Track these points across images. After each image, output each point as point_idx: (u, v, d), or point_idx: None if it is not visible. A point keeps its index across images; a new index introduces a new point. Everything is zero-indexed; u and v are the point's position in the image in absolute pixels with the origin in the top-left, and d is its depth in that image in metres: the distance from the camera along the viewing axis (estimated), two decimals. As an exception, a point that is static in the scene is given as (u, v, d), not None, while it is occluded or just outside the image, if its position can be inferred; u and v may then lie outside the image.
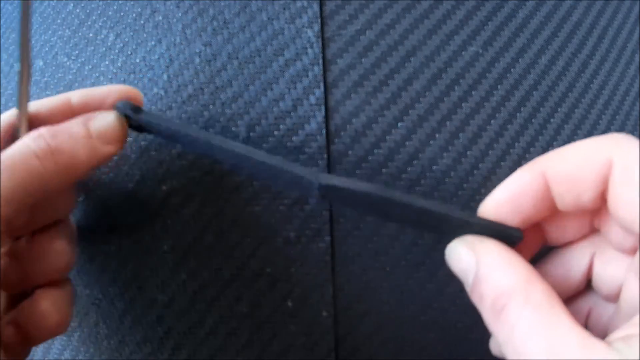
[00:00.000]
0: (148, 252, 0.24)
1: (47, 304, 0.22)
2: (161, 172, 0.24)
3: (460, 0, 0.26)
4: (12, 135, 0.21)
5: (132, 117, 0.22)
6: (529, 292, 0.17)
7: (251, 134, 0.24)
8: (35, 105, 0.22)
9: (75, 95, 0.23)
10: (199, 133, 0.22)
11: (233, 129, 0.24)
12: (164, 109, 0.24)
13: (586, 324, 0.21)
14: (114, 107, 0.22)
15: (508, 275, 0.18)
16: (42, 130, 0.20)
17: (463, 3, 0.26)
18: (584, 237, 0.21)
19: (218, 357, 0.24)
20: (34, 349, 0.25)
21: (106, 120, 0.22)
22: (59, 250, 0.22)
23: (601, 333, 0.18)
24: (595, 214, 0.20)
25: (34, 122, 0.22)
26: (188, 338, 0.24)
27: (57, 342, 0.27)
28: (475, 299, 0.19)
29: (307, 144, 0.24)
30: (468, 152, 0.24)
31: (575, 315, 0.17)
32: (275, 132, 0.24)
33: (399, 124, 0.24)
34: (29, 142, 0.20)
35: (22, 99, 0.21)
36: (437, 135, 0.24)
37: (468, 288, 0.19)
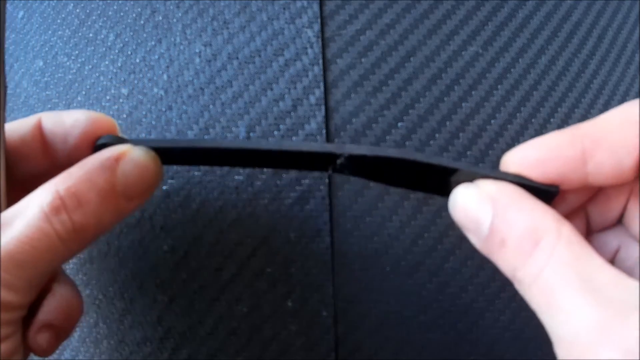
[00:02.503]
0: (148, 252, 0.24)
1: (68, 290, 0.21)
2: (161, 172, 0.24)
3: (460, 0, 0.26)
4: None
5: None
6: (560, 229, 0.16)
7: (251, 134, 0.24)
8: (7, 131, 0.19)
9: (46, 120, 0.20)
10: (195, 142, 0.20)
11: (233, 129, 0.24)
12: (163, 109, 0.24)
13: (613, 261, 0.20)
14: (94, 143, 0.19)
15: (536, 213, 0.17)
16: (62, 194, 0.17)
17: (463, 3, 0.26)
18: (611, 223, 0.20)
19: (218, 357, 0.24)
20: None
21: (137, 168, 0.18)
22: None
23: (628, 273, 0.18)
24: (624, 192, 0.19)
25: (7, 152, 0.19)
26: (188, 338, 0.24)
27: (57, 342, 0.27)
28: (491, 247, 0.17)
29: (307, 144, 0.24)
30: (468, 152, 0.24)
31: (603, 250, 0.17)
32: (275, 132, 0.24)
33: (399, 124, 0.24)
34: (51, 220, 0.17)
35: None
36: (437, 135, 0.24)
37: (480, 237, 0.17)
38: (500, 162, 0.19)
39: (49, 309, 0.21)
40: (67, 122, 0.20)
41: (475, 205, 0.17)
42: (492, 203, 0.17)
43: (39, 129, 0.20)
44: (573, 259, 0.16)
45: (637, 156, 0.17)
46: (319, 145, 0.20)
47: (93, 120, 0.20)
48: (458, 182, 0.19)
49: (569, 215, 0.19)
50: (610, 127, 0.17)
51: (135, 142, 0.19)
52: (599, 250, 0.19)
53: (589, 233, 0.20)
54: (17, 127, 0.20)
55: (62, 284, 0.21)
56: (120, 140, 0.19)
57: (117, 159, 0.18)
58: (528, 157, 0.18)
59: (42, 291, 0.21)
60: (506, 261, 0.17)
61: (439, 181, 0.19)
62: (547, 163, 0.18)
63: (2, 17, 0.18)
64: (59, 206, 0.17)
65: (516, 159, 0.18)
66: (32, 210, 0.17)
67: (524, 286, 0.17)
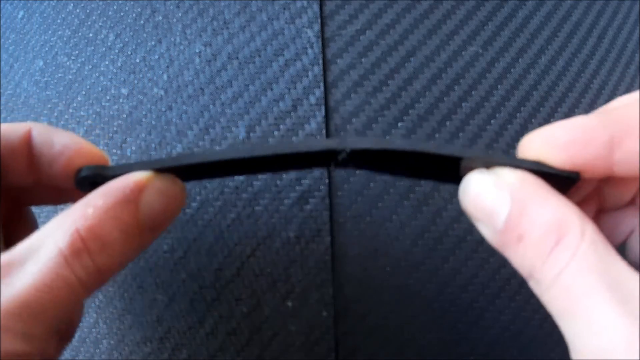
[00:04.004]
0: (148, 252, 0.24)
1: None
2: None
3: (460, 0, 0.26)
4: None
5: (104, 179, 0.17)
6: (584, 227, 0.15)
7: (251, 134, 0.24)
8: None
9: (36, 135, 0.18)
10: (186, 158, 0.17)
11: (233, 129, 0.24)
12: (163, 109, 0.24)
13: (625, 243, 0.19)
14: (76, 175, 0.18)
15: (560, 208, 0.15)
16: (83, 235, 0.15)
17: (463, 3, 0.26)
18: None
19: (218, 357, 0.24)
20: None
21: (162, 197, 0.17)
22: None
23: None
24: None
25: None
26: (188, 338, 0.24)
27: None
28: (506, 241, 0.16)
29: (307, 144, 0.24)
30: (468, 152, 0.24)
31: (616, 232, 0.16)
32: (275, 132, 0.24)
33: (399, 124, 0.24)
34: (72, 265, 0.15)
35: None
36: (437, 135, 0.24)
37: (493, 229, 0.16)
38: (518, 145, 0.18)
39: None
40: (56, 146, 0.18)
41: (491, 195, 0.16)
42: (510, 193, 0.16)
43: (28, 143, 0.18)
44: (598, 261, 0.14)
45: None
46: (320, 141, 0.18)
47: (82, 152, 0.18)
48: (470, 168, 0.17)
49: (580, 202, 0.18)
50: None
51: (123, 167, 0.17)
52: (612, 231, 0.19)
53: (600, 213, 0.19)
54: (6, 133, 0.18)
55: None
56: (103, 170, 0.18)
57: (141, 190, 0.16)
58: (556, 138, 0.16)
59: None
60: (523, 258, 0.16)
61: (449, 168, 0.18)
62: (575, 147, 0.16)
63: None
64: (81, 250, 0.15)
65: (541, 141, 0.16)
66: (48, 252, 0.15)
67: (541, 287, 0.15)
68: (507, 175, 0.16)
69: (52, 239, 0.15)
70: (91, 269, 0.15)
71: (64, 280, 0.15)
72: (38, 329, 0.15)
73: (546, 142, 0.16)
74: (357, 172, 0.24)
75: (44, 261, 0.15)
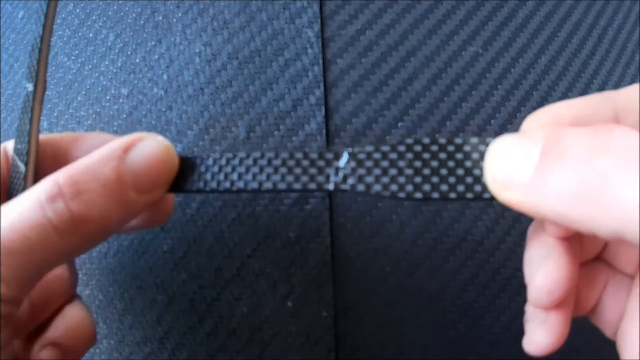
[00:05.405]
0: (148, 252, 0.24)
1: (79, 313, 0.20)
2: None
3: (460, 0, 0.26)
4: (9, 170, 0.18)
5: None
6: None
7: (251, 134, 0.24)
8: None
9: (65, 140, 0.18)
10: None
11: (233, 129, 0.24)
12: (163, 109, 0.24)
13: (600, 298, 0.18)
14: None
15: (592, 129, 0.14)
16: (61, 182, 0.16)
17: (463, 3, 0.26)
18: None
19: (218, 357, 0.24)
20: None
21: (147, 157, 0.17)
22: (64, 279, 0.20)
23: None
24: None
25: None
26: (188, 338, 0.24)
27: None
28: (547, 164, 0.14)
29: (307, 144, 0.24)
30: (468, 152, 0.24)
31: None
32: (275, 132, 0.24)
33: (399, 124, 0.24)
34: (45, 208, 0.15)
35: (33, 126, 0.17)
36: (437, 135, 0.24)
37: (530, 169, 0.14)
38: (522, 124, 0.17)
39: (57, 328, 0.20)
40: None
41: (520, 139, 0.15)
42: (540, 132, 0.14)
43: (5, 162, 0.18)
44: None
45: None
46: (309, 181, 0.17)
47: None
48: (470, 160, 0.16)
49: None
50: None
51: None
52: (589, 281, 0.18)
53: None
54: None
55: (74, 306, 0.20)
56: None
57: (126, 149, 0.17)
58: (561, 115, 0.16)
59: (54, 312, 0.20)
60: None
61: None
62: (580, 123, 0.15)
63: (49, 23, 0.17)
64: (56, 194, 0.15)
65: (545, 118, 0.16)
66: (26, 198, 0.16)
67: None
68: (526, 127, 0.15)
69: (35, 188, 0.16)
70: (64, 213, 0.15)
71: (35, 221, 0.15)
72: (10, 272, 0.15)
73: (551, 119, 0.16)
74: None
75: (22, 205, 0.15)
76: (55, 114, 0.26)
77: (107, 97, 0.25)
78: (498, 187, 0.15)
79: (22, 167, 0.18)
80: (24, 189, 0.18)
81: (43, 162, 0.19)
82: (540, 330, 0.16)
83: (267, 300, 0.24)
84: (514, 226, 0.24)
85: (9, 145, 0.19)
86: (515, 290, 0.24)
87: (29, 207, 0.15)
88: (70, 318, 0.20)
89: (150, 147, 0.17)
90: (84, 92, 0.26)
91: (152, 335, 0.24)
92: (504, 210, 0.24)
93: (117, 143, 0.17)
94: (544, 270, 0.16)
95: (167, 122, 0.24)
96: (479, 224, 0.24)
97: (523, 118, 0.25)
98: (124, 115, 0.25)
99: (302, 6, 0.25)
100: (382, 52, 0.25)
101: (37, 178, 0.18)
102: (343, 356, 0.24)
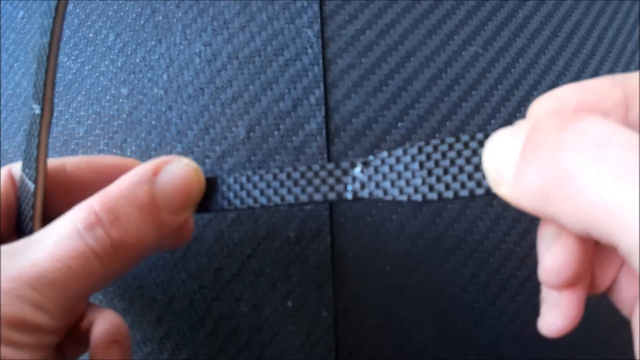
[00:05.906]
0: (148, 252, 0.24)
1: (111, 313, 0.19)
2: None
3: (460, 0, 0.26)
4: (16, 189, 0.17)
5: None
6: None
7: (251, 134, 0.24)
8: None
9: (71, 163, 0.19)
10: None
11: (233, 129, 0.24)
12: (163, 109, 0.24)
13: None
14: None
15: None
16: (97, 209, 0.16)
17: (463, 3, 0.26)
18: None
19: (218, 357, 0.24)
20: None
21: (176, 179, 0.17)
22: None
23: None
24: None
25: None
26: (188, 338, 0.24)
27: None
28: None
29: (307, 144, 0.24)
30: (468, 152, 0.24)
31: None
32: (275, 132, 0.24)
33: (399, 124, 0.24)
34: (84, 236, 0.15)
35: (40, 151, 0.17)
36: (437, 135, 0.24)
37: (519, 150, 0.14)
38: (528, 108, 0.16)
39: (106, 327, 0.19)
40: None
41: (509, 130, 0.15)
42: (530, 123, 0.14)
43: (62, 170, 0.19)
44: None
45: None
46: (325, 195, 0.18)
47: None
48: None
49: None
50: None
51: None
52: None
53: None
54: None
55: (97, 307, 0.20)
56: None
57: (155, 172, 0.17)
58: (567, 98, 0.15)
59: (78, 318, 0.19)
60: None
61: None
62: (587, 107, 0.15)
63: (56, 39, 0.16)
64: (94, 222, 0.16)
65: (551, 102, 0.15)
66: (63, 227, 0.16)
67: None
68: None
69: (69, 217, 0.16)
70: (104, 240, 0.16)
71: (76, 250, 0.15)
72: (53, 303, 0.15)
73: (557, 103, 0.15)
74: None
75: (59, 234, 0.15)
76: (55, 114, 0.26)
77: (107, 97, 0.25)
78: (492, 183, 0.15)
79: (31, 187, 0.17)
80: (33, 216, 0.18)
81: (52, 189, 0.18)
82: (554, 313, 0.16)
83: (267, 300, 0.24)
84: (514, 226, 0.24)
85: (14, 167, 0.19)
86: (515, 290, 0.24)
87: (66, 235, 0.15)
88: (110, 319, 0.19)
89: (178, 169, 0.17)
90: (84, 92, 0.26)
91: (152, 335, 0.24)
92: (504, 210, 0.24)
93: (146, 167, 0.17)
94: (552, 251, 0.16)
95: (167, 122, 0.24)
96: (479, 224, 0.24)
97: (523, 118, 0.25)
98: (124, 115, 0.25)
99: (302, 6, 0.25)
100: (382, 52, 0.25)
101: (47, 204, 0.18)
102: (343, 356, 0.24)
